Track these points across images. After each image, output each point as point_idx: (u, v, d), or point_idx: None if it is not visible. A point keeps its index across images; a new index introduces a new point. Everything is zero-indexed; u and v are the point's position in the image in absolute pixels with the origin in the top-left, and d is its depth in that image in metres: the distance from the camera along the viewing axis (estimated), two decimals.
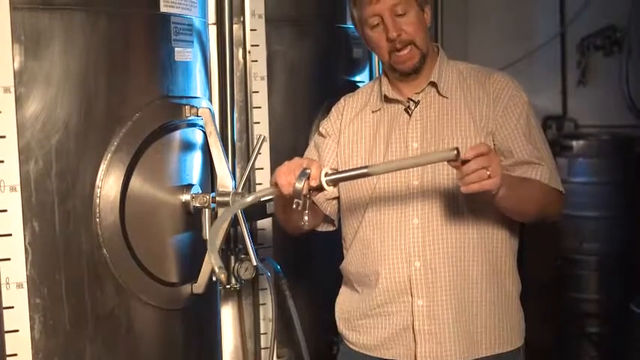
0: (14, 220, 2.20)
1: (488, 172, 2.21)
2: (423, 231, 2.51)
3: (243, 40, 3.05)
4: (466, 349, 2.54)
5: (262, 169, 3.09)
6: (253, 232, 3.08)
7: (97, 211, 2.31)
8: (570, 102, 5.85)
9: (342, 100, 2.75)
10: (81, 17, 2.28)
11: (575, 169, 5.24)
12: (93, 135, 2.31)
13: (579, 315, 5.35)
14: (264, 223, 3.12)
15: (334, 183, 2.31)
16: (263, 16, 3.08)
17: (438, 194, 2.50)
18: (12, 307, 2.21)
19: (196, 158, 2.66)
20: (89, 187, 2.30)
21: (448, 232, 2.51)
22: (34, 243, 2.22)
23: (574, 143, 5.32)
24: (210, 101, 2.84)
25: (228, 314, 3.15)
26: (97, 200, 2.31)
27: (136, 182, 2.39)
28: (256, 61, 3.08)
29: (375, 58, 3.53)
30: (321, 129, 2.74)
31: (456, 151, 2.18)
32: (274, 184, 2.35)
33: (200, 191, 2.61)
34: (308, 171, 2.28)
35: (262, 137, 2.75)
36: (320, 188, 2.30)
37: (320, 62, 3.29)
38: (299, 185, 2.26)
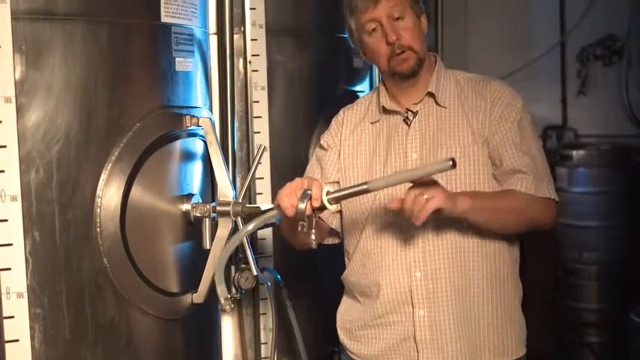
0: (15, 230, 2.20)
1: (425, 196, 2.25)
2: (423, 242, 2.51)
3: (244, 50, 3.05)
4: (468, 358, 2.53)
5: (262, 178, 3.09)
6: (254, 242, 3.08)
7: (98, 220, 2.31)
8: (570, 112, 5.85)
9: (341, 112, 2.76)
10: (82, 27, 2.29)
11: (575, 178, 5.24)
12: (93, 145, 2.31)
13: (579, 324, 5.34)
14: (265, 233, 3.12)
15: (336, 201, 2.33)
16: (264, 27, 3.09)
17: None
18: (12, 317, 2.21)
19: (197, 168, 2.66)
20: (90, 197, 2.31)
21: (448, 242, 2.51)
22: (35, 253, 2.23)
23: (574, 153, 5.32)
24: (211, 111, 2.85)
25: (228, 324, 3.15)
26: (98, 210, 2.31)
27: (136, 192, 2.39)
28: (257, 71, 3.09)
29: (376, 68, 3.53)
30: (322, 142, 2.74)
31: (451, 162, 2.19)
32: (277, 207, 2.36)
33: (200, 201, 2.62)
34: (309, 192, 2.29)
35: (263, 147, 2.75)
36: (322, 207, 2.32)
37: (320, 72, 3.30)
38: (302, 206, 2.26)
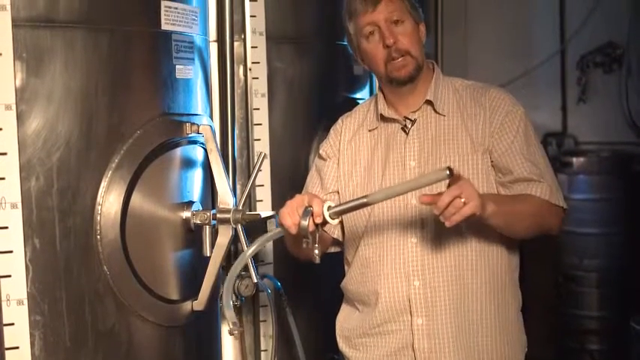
0: (15, 237, 2.20)
1: (462, 200, 2.23)
2: (422, 250, 2.51)
3: (244, 57, 3.06)
4: None
5: (263, 185, 3.09)
6: None
7: (98, 228, 2.31)
8: (570, 119, 5.85)
9: (339, 120, 2.75)
10: (82, 35, 2.29)
11: (575, 185, 5.24)
12: (94, 152, 2.31)
13: (580, 331, 5.34)
14: None
15: (337, 215, 2.34)
16: (264, 34, 3.10)
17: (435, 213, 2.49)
18: (12, 324, 2.21)
19: (197, 175, 2.66)
20: (90, 204, 2.31)
21: (447, 250, 2.50)
22: (35, 260, 2.23)
23: (574, 160, 5.33)
24: (211, 118, 2.85)
25: (227, 329, 3.14)
26: (98, 217, 2.32)
27: (136, 199, 2.39)
28: (257, 78, 3.09)
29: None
30: (321, 151, 2.74)
31: (448, 171, 2.19)
32: (280, 225, 2.38)
33: (201, 208, 2.62)
34: (310, 208, 2.31)
35: (263, 154, 2.75)
36: (325, 223, 2.33)
37: (320, 79, 3.30)
38: (304, 224, 2.29)
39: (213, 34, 2.95)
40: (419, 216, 2.51)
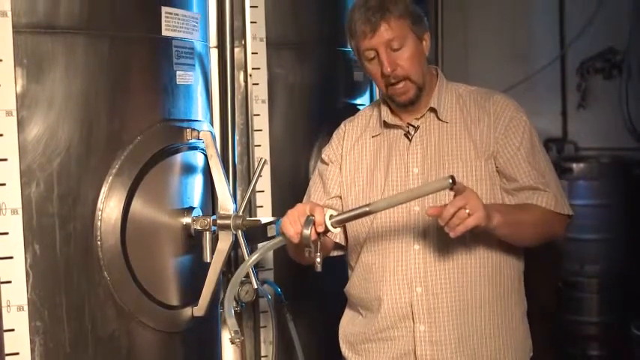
0: (15, 243, 2.20)
1: (467, 211, 2.24)
2: (424, 256, 2.51)
3: (245, 63, 3.06)
4: None
5: (263, 191, 3.09)
6: None
7: (98, 233, 2.32)
8: (570, 125, 5.85)
9: (342, 125, 2.75)
10: (83, 41, 2.29)
11: (576, 191, 5.24)
12: (94, 158, 2.31)
13: (580, 337, 5.33)
14: None
15: (339, 224, 2.35)
16: (264, 40, 3.10)
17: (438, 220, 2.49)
18: (12, 330, 2.20)
19: (197, 181, 2.67)
20: (90, 210, 2.31)
21: (450, 257, 2.50)
22: (35, 266, 2.23)
23: (574, 166, 5.33)
24: (212, 124, 2.85)
25: (228, 337, 3.14)
26: (98, 223, 2.32)
27: (137, 205, 2.40)
28: (257, 84, 3.10)
29: None
30: (323, 156, 2.74)
31: (450, 180, 2.19)
32: (282, 234, 2.38)
33: (201, 214, 2.62)
34: (312, 217, 2.31)
35: (263, 160, 2.75)
36: (326, 231, 2.34)
37: (321, 85, 3.30)
38: (307, 233, 2.30)
39: (213, 40, 2.96)
40: (422, 223, 2.51)
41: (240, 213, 2.67)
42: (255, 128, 3.09)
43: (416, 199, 2.33)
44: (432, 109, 2.58)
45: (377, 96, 3.55)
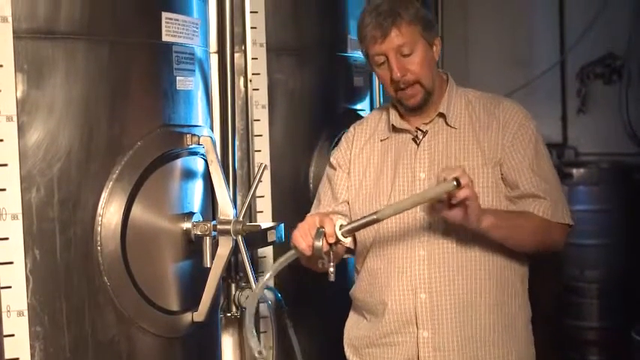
0: (15, 248, 2.19)
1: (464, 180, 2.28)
2: (429, 263, 2.51)
3: (245, 68, 3.06)
4: None
5: (263, 196, 3.09)
6: (254, 260, 3.07)
7: (99, 239, 2.31)
8: (570, 130, 5.86)
9: (351, 128, 2.76)
10: (83, 46, 2.29)
11: (576, 196, 5.24)
12: (94, 163, 2.31)
13: (580, 343, 5.34)
14: (265, 251, 3.12)
15: (349, 233, 2.37)
16: (264, 45, 3.10)
17: (445, 226, 2.49)
18: (12, 335, 2.20)
19: (197, 186, 2.67)
20: (90, 215, 2.31)
21: (454, 264, 2.50)
22: (35, 271, 2.22)
23: (574, 171, 5.33)
24: (212, 129, 2.85)
25: (228, 342, 3.15)
26: (99, 228, 2.32)
27: (137, 210, 2.39)
28: (257, 89, 3.10)
29: (376, 87, 3.55)
30: (332, 160, 2.74)
31: (455, 182, 2.20)
32: (294, 248, 2.39)
33: (201, 219, 2.62)
34: (322, 229, 2.33)
35: (263, 165, 2.76)
36: (338, 241, 2.35)
37: (321, 90, 3.30)
38: (318, 245, 2.32)
39: (213, 45, 2.96)
40: (427, 228, 2.52)
41: (241, 218, 2.67)
42: (255, 133, 3.09)
43: (422, 203, 2.33)
44: (441, 115, 2.58)
45: (377, 101, 3.56)
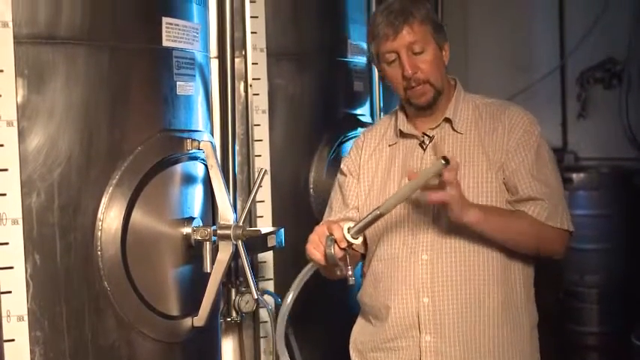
0: (16, 253, 2.20)
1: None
2: (432, 267, 2.51)
3: (245, 73, 3.06)
4: None
5: (263, 201, 3.09)
6: (254, 265, 3.08)
7: (99, 244, 2.32)
8: (570, 135, 5.86)
9: (361, 135, 2.77)
10: (83, 51, 2.30)
11: (576, 201, 5.23)
12: (95, 168, 2.32)
13: (581, 348, 5.33)
14: (265, 256, 3.12)
15: (358, 233, 2.37)
16: (264, 50, 3.10)
17: (448, 230, 2.50)
18: (13, 340, 2.20)
19: (197, 191, 2.67)
20: (91, 220, 2.31)
21: (458, 268, 2.50)
22: (36, 276, 2.23)
23: (574, 176, 5.33)
24: (212, 134, 2.85)
25: (228, 347, 3.15)
26: (99, 233, 2.32)
27: (137, 215, 2.40)
28: (258, 94, 3.10)
29: (376, 92, 3.55)
30: (342, 166, 2.75)
31: (443, 161, 2.22)
32: (310, 260, 2.42)
33: (201, 224, 2.62)
34: (332, 236, 2.35)
35: (263, 170, 2.76)
36: (350, 245, 2.36)
37: (321, 95, 3.30)
38: (331, 252, 2.34)
39: (214, 50, 2.96)
40: (430, 233, 2.52)
41: (241, 223, 2.67)
42: (255, 138, 3.09)
43: (419, 187, 2.33)
44: (448, 120, 2.59)
45: (377, 107, 3.56)
